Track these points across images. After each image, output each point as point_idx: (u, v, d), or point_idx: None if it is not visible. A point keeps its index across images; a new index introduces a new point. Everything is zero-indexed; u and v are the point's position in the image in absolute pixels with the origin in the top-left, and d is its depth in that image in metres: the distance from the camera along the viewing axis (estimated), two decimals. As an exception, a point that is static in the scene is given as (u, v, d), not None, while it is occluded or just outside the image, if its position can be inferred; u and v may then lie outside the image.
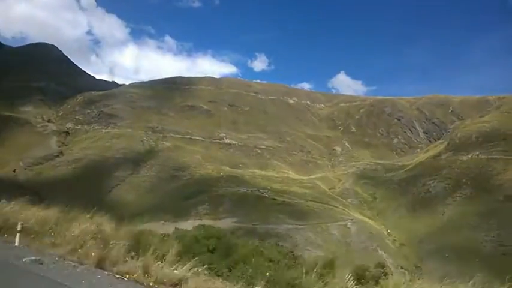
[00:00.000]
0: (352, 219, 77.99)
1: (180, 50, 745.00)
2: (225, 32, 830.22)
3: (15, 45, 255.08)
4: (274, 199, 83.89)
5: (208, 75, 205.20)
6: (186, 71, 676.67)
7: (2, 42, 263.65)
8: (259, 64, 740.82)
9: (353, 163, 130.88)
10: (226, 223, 71.43)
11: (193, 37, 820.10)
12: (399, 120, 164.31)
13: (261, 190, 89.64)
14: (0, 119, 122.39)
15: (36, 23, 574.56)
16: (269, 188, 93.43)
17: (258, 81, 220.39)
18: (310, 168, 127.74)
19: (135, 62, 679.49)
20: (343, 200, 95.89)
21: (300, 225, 70.68)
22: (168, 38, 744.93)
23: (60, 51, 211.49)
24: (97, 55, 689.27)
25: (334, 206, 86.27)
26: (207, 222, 75.67)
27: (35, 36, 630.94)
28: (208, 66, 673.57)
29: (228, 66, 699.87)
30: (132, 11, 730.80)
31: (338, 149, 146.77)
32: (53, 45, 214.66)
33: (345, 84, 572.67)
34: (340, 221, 76.24)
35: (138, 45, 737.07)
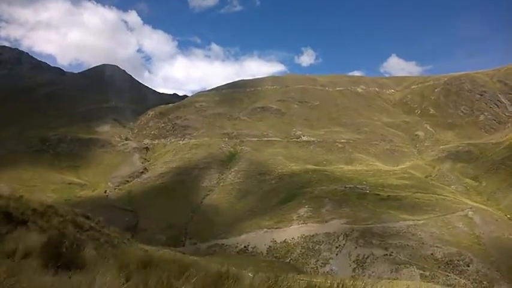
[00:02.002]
0: (470, 208, 70.88)
1: (227, 55, 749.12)
2: (269, 31, 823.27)
3: (74, 71, 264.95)
4: (377, 194, 78.36)
5: (257, 77, 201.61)
6: (234, 76, 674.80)
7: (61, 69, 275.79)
8: (307, 59, 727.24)
9: (442, 147, 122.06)
10: (335, 225, 66.95)
11: (239, 41, 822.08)
12: (482, 95, 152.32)
13: (358, 186, 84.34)
14: (81, 142, 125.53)
15: (89, 49, 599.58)
16: (364, 182, 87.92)
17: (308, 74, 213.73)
18: (397, 157, 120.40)
19: (186, 73, 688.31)
20: (448, 188, 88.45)
21: (419, 220, 64.75)
22: (214, 46, 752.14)
23: (123, 70, 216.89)
24: (149, 71, 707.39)
25: (443, 196, 79.26)
26: (312, 226, 71.78)
27: (90, 60, 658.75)
28: (256, 68, 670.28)
29: (276, 65, 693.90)
30: (177, 24, 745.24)
31: (420, 133, 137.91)
32: (115, 66, 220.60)
33: (398, 67, 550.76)
34: (459, 211, 69.40)
35: (186, 57, 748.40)
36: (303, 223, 71.37)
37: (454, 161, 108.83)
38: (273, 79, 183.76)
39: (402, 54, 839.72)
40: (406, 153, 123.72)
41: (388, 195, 77.18)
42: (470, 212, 68.42)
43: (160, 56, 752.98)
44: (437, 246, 56.72)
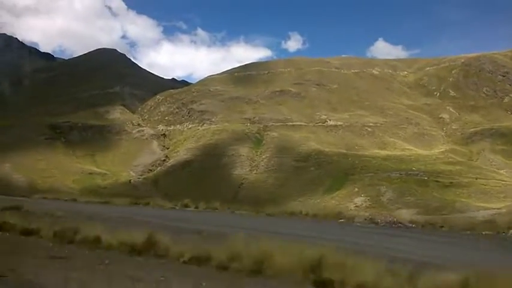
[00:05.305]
0: (544, 194, 65.97)
1: (213, 40, 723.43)
2: (255, 16, 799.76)
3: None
4: (437, 181, 72.89)
5: (244, 62, 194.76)
6: (221, 61, 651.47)
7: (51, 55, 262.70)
8: (293, 44, 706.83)
9: (472, 129, 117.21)
10: (407, 216, 61.12)
11: (225, 26, 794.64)
12: (504, 76, 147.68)
13: (410, 173, 78.79)
14: (94, 129, 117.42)
15: (72, 35, 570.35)
16: (414, 169, 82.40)
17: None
18: (428, 140, 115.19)
19: (171, 59, 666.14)
20: (502, 172, 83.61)
21: (499, 208, 59.32)
22: (200, 31, 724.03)
23: (123, 54, 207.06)
24: (134, 58, 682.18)
25: (504, 181, 74.36)
26: (378, 218, 65.89)
27: (73, 47, 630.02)
28: (242, 53, 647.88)
29: (262, 51, 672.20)
30: (161, 9, 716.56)
31: (445, 116, 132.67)
32: (114, 49, 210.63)
33: (385, 52, 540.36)
34: (535, 197, 64.46)
35: (172, 43, 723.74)
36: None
37: (492, 144, 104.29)
38: (284, 61, 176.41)
39: (389, 38, 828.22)
40: (436, 137, 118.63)
41: (451, 182, 71.80)
42: (548, 198, 63.48)
43: (145, 42, 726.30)
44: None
